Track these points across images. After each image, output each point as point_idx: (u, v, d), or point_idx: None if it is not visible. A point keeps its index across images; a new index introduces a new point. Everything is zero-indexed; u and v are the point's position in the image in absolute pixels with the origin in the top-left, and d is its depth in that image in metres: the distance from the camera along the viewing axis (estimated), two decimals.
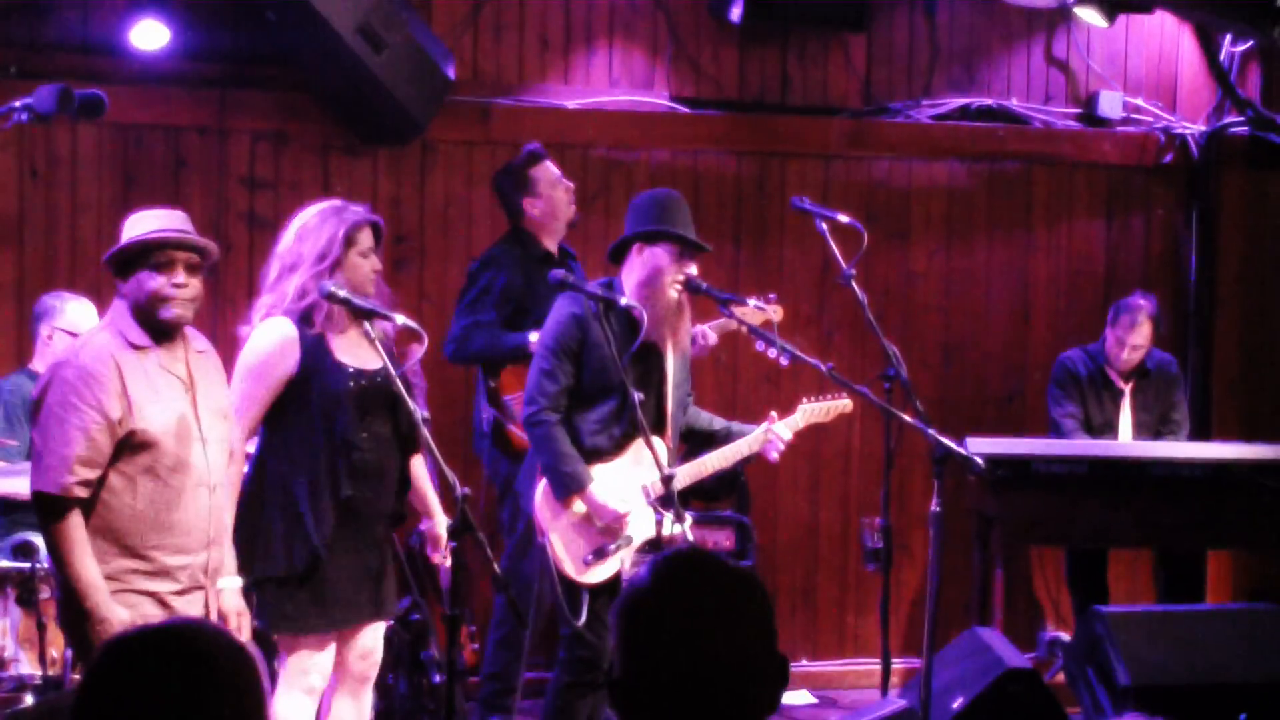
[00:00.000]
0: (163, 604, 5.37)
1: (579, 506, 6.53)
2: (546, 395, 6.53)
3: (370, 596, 6.06)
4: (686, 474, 6.70)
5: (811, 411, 6.98)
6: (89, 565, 5.23)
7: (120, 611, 5.23)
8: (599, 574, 6.54)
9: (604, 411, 6.60)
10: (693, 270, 6.66)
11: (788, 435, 6.86)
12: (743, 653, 2.82)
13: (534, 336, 7.49)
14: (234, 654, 2.76)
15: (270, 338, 5.93)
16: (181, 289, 5.40)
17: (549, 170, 7.79)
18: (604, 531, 6.57)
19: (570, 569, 6.52)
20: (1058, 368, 8.96)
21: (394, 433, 6.05)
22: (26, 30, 8.20)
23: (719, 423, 6.99)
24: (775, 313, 7.44)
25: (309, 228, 6.00)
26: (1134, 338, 8.76)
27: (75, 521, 5.24)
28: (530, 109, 8.79)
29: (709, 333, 7.57)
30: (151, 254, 5.38)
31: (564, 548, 6.52)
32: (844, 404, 7.01)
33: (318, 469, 5.89)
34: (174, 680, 2.69)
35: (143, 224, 5.44)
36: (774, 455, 6.87)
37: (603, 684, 6.69)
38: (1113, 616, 7.59)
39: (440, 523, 6.30)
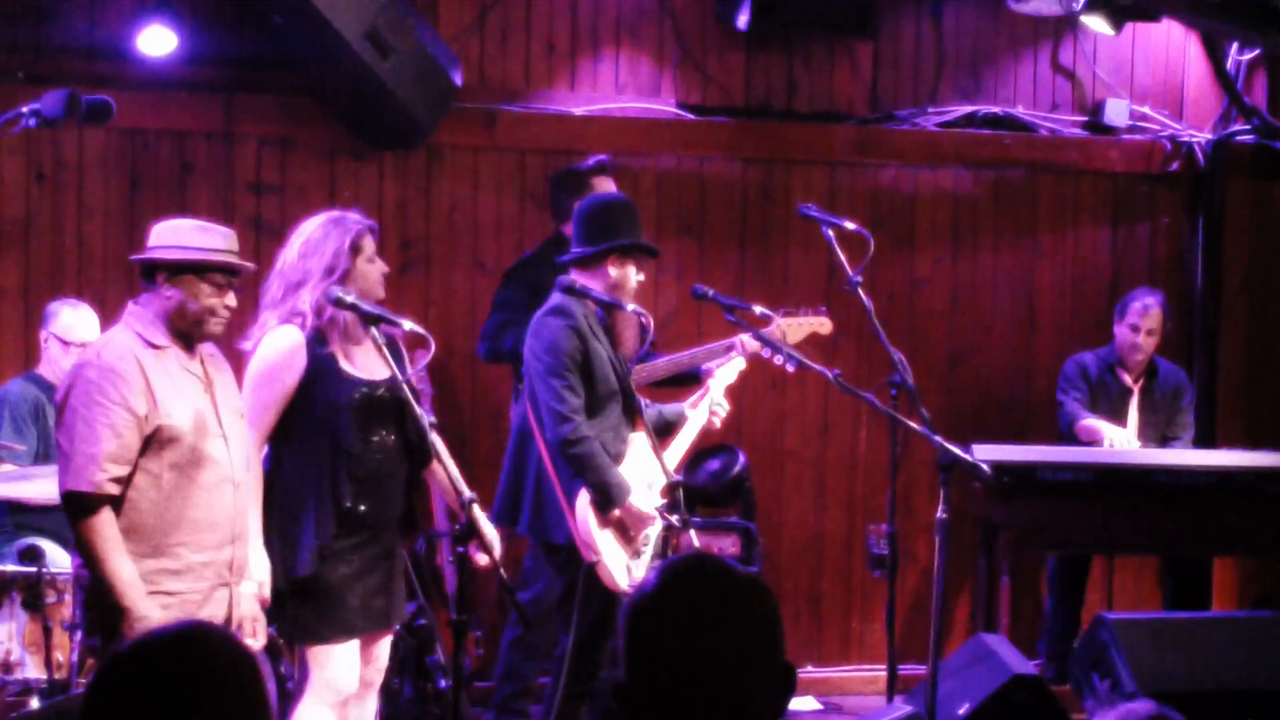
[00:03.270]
0: (190, 605, 5.39)
1: (613, 516, 6.52)
2: (577, 411, 6.48)
3: (384, 606, 6.08)
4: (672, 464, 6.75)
5: (722, 375, 7.18)
6: (125, 563, 5.27)
7: (156, 610, 5.27)
8: (632, 580, 6.54)
9: (614, 417, 6.61)
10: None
11: (726, 402, 7.11)
12: (748, 659, 2.82)
13: None
14: (238, 658, 2.78)
15: (278, 345, 5.95)
16: (229, 309, 5.57)
17: (605, 183, 7.80)
18: (631, 538, 6.56)
19: (619, 581, 6.51)
20: (1068, 364, 8.98)
21: (401, 442, 6.05)
22: (34, 35, 8.20)
23: (649, 410, 7.04)
24: (824, 325, 7.55)
25: (313, 242, 6.01)
26: (1146, 321, 8.76)
27: (108, 519, 5.28)
28: (536, 115, 8.79)
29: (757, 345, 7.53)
30: (212, 272, 5.47)
31: (612, 561, 6.50)
32: (740, 362, 7.24)
33: (320, 479, 5.91)
34: (179, 686, 2.70)
35: (209, 238, 5.51)
36: (717, 423, 7.11)
37: (601, 690, 6.70)
38: (1118, 623, 7.59)
39: (486, 521, 6.24)
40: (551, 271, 7.61)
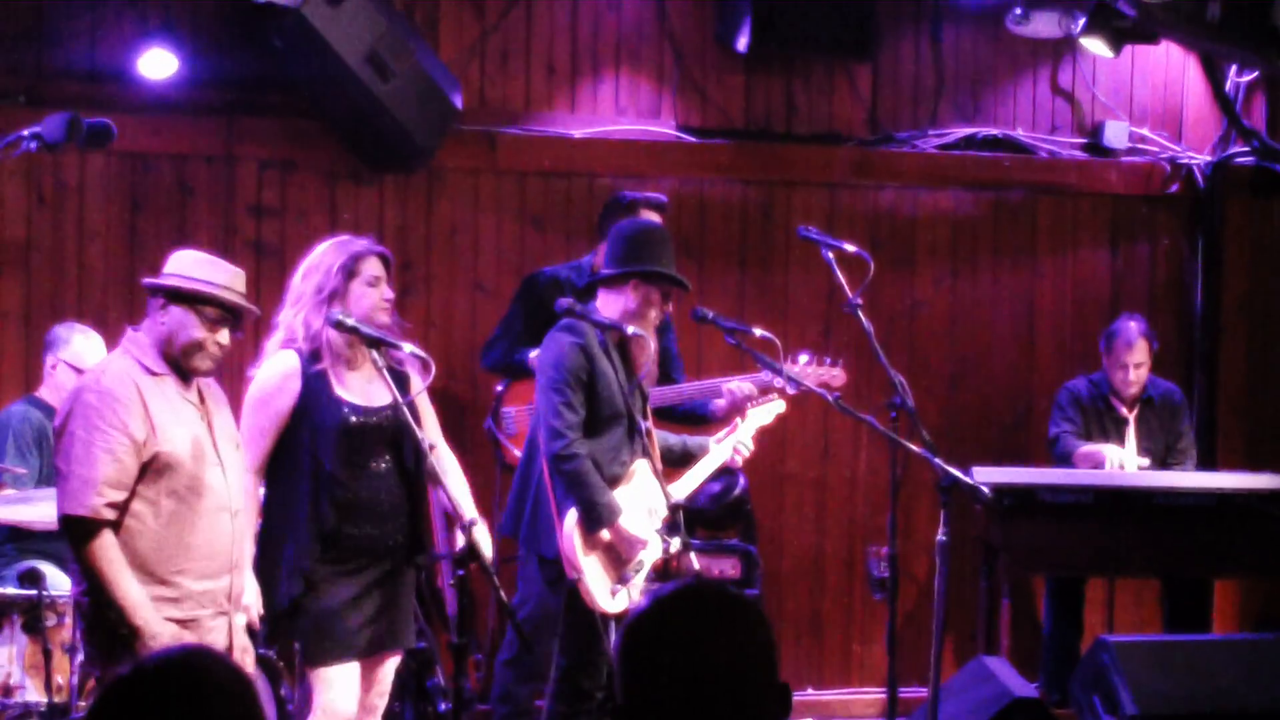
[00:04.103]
0: (191, 631, 5.39)
1: (603, 537, 6.54)
2: (572, 428, 6.52)
3: (387, 629, 6.07)
4: (679, 493, 6.75)
5: (756, 415, 7.19)
6: (132, 583, 5.28)
7: (169, 626, 5.28)
8: (622, 602, 6.56)
9: (615, 439, 6.64)
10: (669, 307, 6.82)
11: (751, 444, 7.08)
12: (743, 680, 2.83)
13: (534, 354, 7.54)
14: (235, 682, 2.78)
15: (273, 371, 5.99)
16: (221, 348, 5.54)
17: (655, 218, 7.78)
18: (622, 560, 6.58)
19: (602, 601, 6.53)
20: (1061, 393, 8.97)
21: (400, 467, 6.05)
22: (35, 58, 8.22)
23: (673, 439, 7.09)
24: (836, 378, 7.54)
25: (313, 265, 6.05)
26: (1133, 356, 8.76)
27: (109, 542, 5.28)
28: (537, 137, 8.81)
29: (750, 386, 7.55)
30: (205, 305, 5.45)
31: (595, 581, 6.52)
32: (779, 405, 7.25)
33: (304, 504, 5.92)
34: (178, 710, 2.70)
35: (215, 272, 5.50)
36: (739, 461, 7.11)
37: (597, 710, 6.71)
38: (1119, 645, 7.58)
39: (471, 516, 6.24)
40: (560, 290, 7.68)
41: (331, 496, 5.91)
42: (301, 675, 6.13)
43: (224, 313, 5.53)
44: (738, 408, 7.50)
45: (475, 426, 8.62)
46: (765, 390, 7.53)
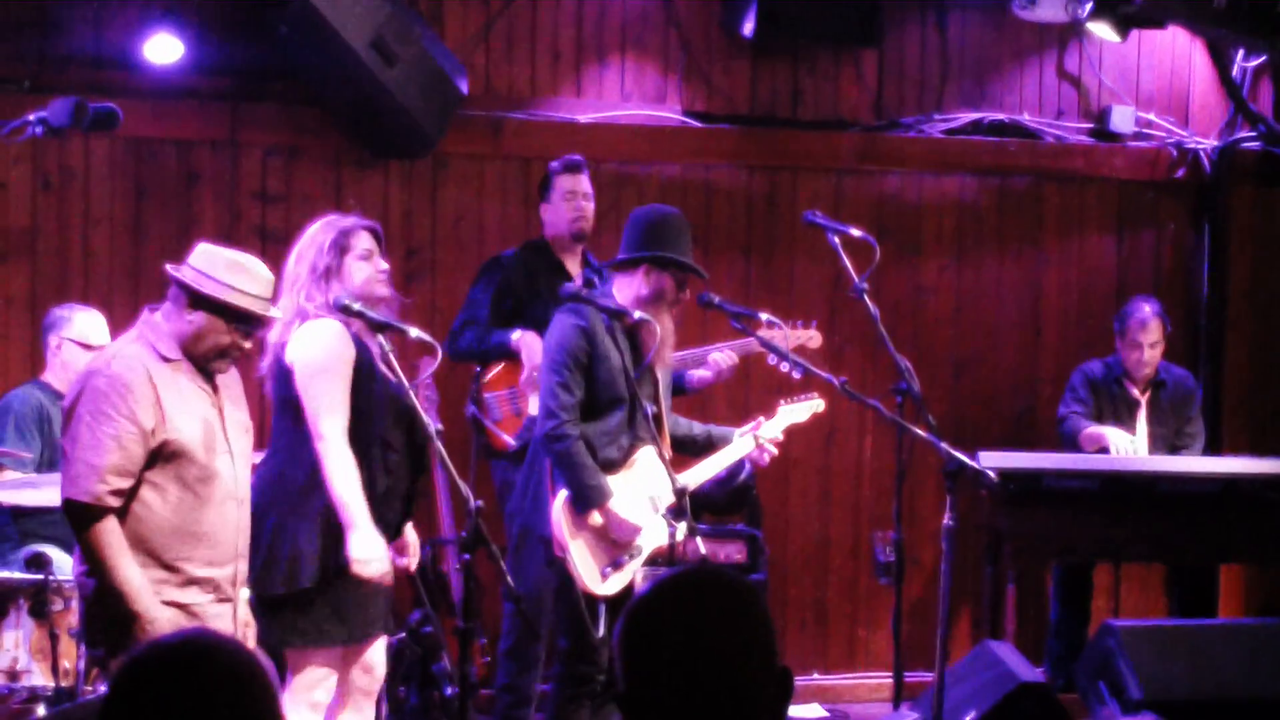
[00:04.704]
0: (193, 616, 5.39)
1: (595, 520, 6.54)
2: (566, 408, 6.52)
3: (381, 611, 6.07)
4: (689, 480, 6.75)
5: (790, 412, 7.17)
6: (133, 568, 5.28)
7: (167, 610, 5.28)
8: (614, 586, 6.57)
9: (613, 423, 6.63)
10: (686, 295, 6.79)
11: (779, 436, 7.04)
12: (745, 662, 2.83)
13: (516, 335, 7.53)
14: (249, 666, 2.79)
15: (327, 334, 5.86)
16: (242, 350, 5.56)
17: (568, 181, 7.79)
18: (617, 544, 6.59)
19: (590, 582, 6.54)
20: (1075, 374, 8.98)
21: (408, 448, 6.05)
22: (40, 44, 8.21)
23: (698, 428, 7.06)
24: (812, 339, 7.55)
25: (304, 247, 5.98)
26: (1147, 336, 8.77)
27: (111, 527, 5.28)
28: (542, 123, 8.80)
29: (731, 354, 7.59)
30: (234, 316, 5.45)
31: (582, 562, 6.53)
32: (817, 404, 7.24)
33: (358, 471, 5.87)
34: (193, 693, 2.71)
35: (244, 279, 5.46)
36: (765, 460, 7.07)
37: (599, 693, 6.72)
38: (1125, 630, 7.58)
39: (411, 530, 6.27)
40: (518, 271, 7.66)
41: (382, 467, 5.91)
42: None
43: (249, 321, 5.53)
44: (721, 378, 7.53)
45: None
46: (746, 357, 7.57)
